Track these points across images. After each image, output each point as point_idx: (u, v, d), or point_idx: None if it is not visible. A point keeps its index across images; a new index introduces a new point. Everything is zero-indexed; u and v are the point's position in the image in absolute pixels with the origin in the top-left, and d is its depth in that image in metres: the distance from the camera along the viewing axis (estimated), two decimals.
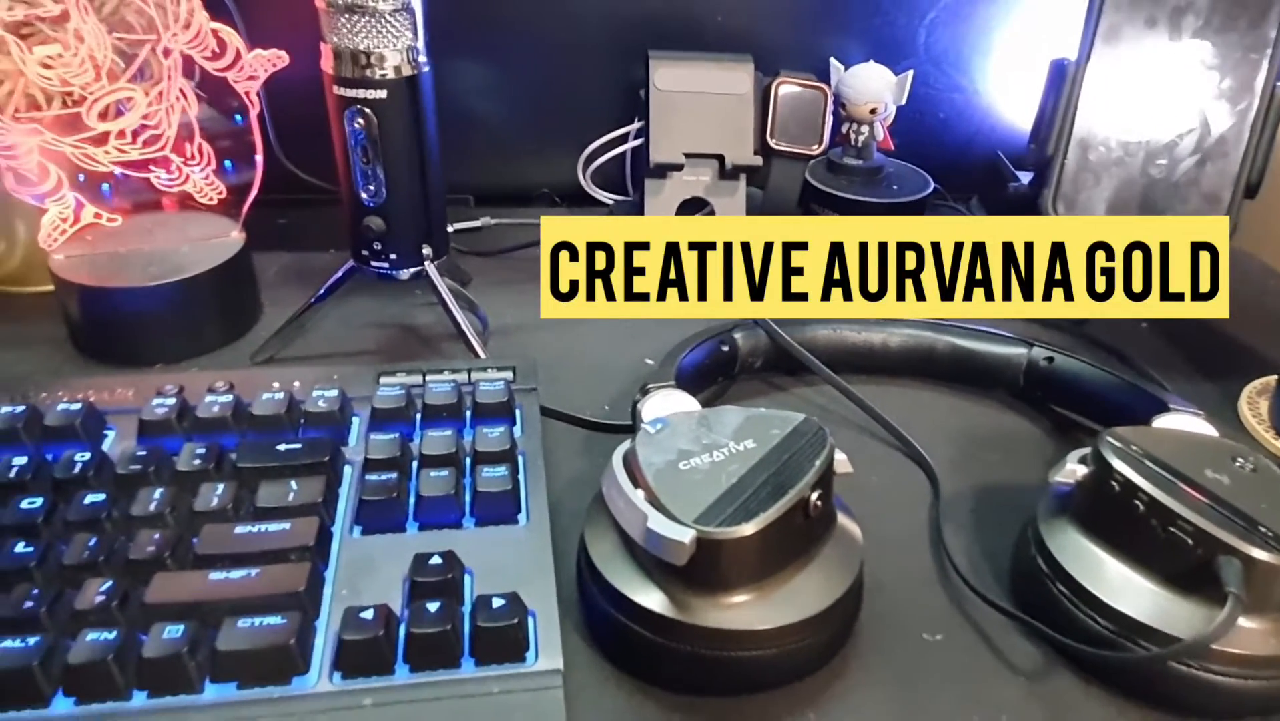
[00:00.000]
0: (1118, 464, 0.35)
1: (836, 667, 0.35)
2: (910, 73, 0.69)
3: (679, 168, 0.64)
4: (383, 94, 0.45)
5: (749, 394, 0.52)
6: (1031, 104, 0.66)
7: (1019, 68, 0.77)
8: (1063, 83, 0.52)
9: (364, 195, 0.47)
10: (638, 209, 0.66)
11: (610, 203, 0.74)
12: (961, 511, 0.44)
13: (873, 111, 0.70)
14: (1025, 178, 0.66)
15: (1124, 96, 0.51)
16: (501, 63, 0.72)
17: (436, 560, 0.35)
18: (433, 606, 0.33)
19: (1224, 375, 0.56)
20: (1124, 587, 0.34)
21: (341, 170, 0.48)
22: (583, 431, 0.48)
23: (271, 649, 0.31)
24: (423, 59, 0.46)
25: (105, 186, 0.54)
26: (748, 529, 0.32)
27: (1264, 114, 0.50)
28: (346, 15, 0.44)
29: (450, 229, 0.53)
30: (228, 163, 0.55)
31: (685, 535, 0.31)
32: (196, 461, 0.38)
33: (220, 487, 0.37)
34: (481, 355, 0.50)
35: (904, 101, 0.70)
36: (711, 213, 0.66)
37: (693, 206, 0.66)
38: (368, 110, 0.45)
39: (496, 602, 0.33)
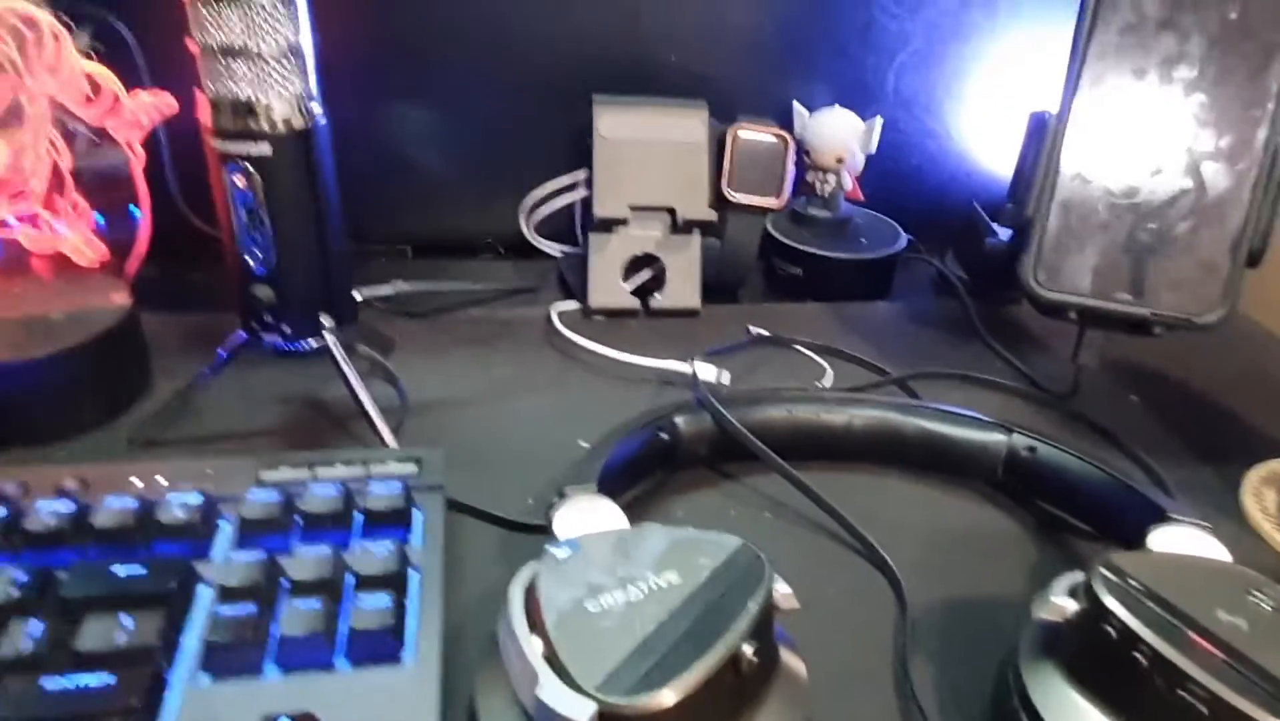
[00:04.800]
0: (1113, 605, 0.29)
1: None
2: (879, 119, 0.64)
3: (624, 222, 0.58)
4: (267, 149, 0.39)
5: (693, 484, 0.46)
6: (1010, 150, 0.62)
7: (996, 112, 0.72)
8: (1043, 138, 0.47)
9: (250, 261, 0.41)
10: (586, 263, 0.61)
11: (558, 255, 0.68)
12: (931, 634, 0.38)
13: (839, 160, 0.65)
14: (1004, 233, 0.61)
15: (1111, 154, 0.46)
16: (441, 106, 0.66)
17: None
18: None
19: (1225, 458, 0.50)
20: None
21: (225, 233, 0.42)
22: (502, 531, 0.42)
23: None
24: (316, 108, 0.40)
25: None
26: (664, 698, 0.26)
27: (1266, 174, 0.45)
28: (223, 59, 0.38)
29: (358, 296, 0.46)
30: (101, 217, 0.49)
31: (584, 711, 0.25)
32: (14, 590, 0.32)
33: (34, 625, 0.31)
34: (389, 442, 0.44)
35: (873, 150, 0.65)
36: (662, 270, 0.61)
37: (642, 263, 0.61)
38: (251, 167, 0.39)
39: None
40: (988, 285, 0.65)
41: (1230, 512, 0.47)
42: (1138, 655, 0.28)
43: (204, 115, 0.39)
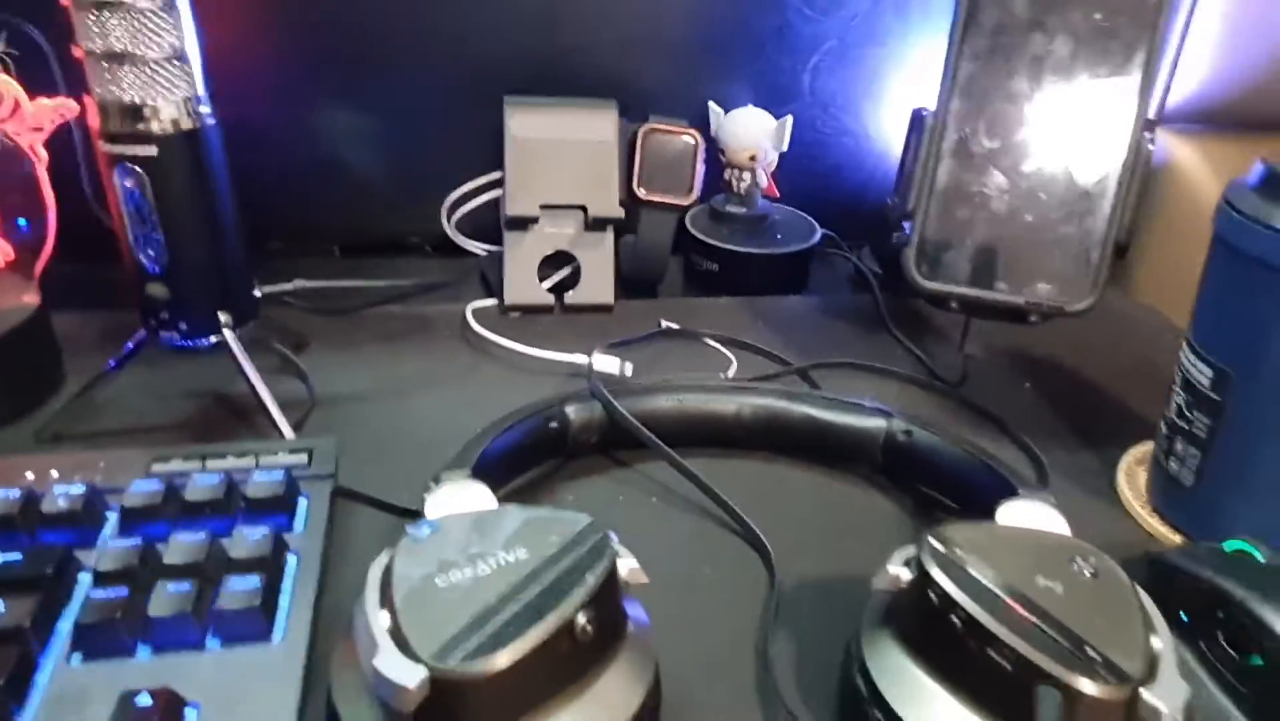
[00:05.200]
0: (936, 573, 0.31)
1: None
2: (789, 118, 0.66)
3: (535, 220, 0.60)
4: (153, 150, 0.40)
5: (586, 471, 0.47)
6: None
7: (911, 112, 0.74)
8: (921, 133, 0.48)
9: (144, 260, 0.43)
10: None
11: (481, 253, 0.69)
12: (800, 613, 0.39)
13: (752, 158, 0.66)
14: (908, 229, 0.63)
15: (985, 149, 0.48)
16: (365, 107, 0.67)
17: (145, 699, 0.30)
18: None
19: (1107, 441, 0.52)
20: (942, 719, 0.30)
21: (119, 234, 0.43)
22: (393, 518, 0.43)
23: None
24: (205, 110, 0.42)
25: None
26: (495, 663, 0.27)
27: (1131, 169, 0.47)
28: (108, 64, 0.39)
29: (257, 293, 0.48)
30: (23, 221, 0.50)
31: (413, 677, 0.27)
32: None
33: None
34: (287, 434, 0.45)
35: (785, 148, 0.67)
36: (577, 267, 0.62)
37: (557, 261, 0.62)
38: (139, 168, 0.40)
39: None
40: (899, 277, 0.67)
41: (1105, 493, 0.48)
42: (954, 619, 0.30)
43: (93, 119, 0.41)
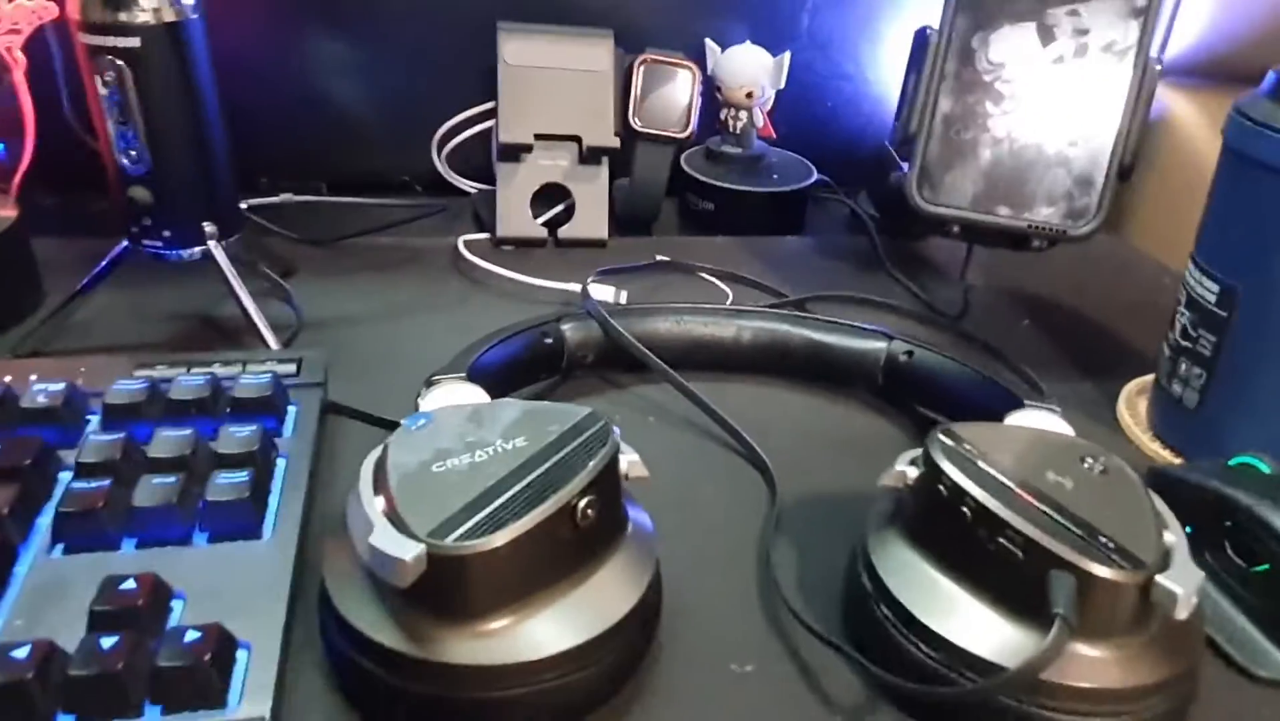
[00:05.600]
0: (946, 465, 0.30)
1: (618, 708, 0.30)
2: (787, 54, 0.65)
3: (528, 149, 0.58)
4: (136, 41, 0.39)
5: (581, 391, 0.46)
6: None
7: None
8: (924, 53, 0.47)
9: (125, 161, 0.41)
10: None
11: (472, 191, 0.68)
12: (799, 524, 0.39)
13: (749, 96, 0.65)
14: (906, 169, 0.62)
15: (989, 68, 0.47)
16: (353, 33, 0.65)
17: (129, 584, 0.28)
18: (107, 641, 0.26)
19: (1105, 375, 0.52)
20: (951, 611, 0.29)
21: (100, 133, 0.41)
22: (383, 432, 0.42)
23: None
24: (189, 2, 0.40)
25: None
26: (494, 541, 0.26)
27: (1137, 90, 0.46)
28: None
29: (244, 205, 0.46)
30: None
31: (409, 551, 0.26)
32: None
33: None
34: (273, 344, 0.44)
35: (782, 85, 0.66)
36: (571, 205, 0.61)
37: (550, 194, 0.61)
38: (120, 61, 0.39)
39: (190, 636, 0.27)
40: (895, 220, 0.66)
41: (1106, 421, 0.48)
42: (964, 509, 0.29)
43: (72, 9, 0.39)
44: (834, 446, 0.44)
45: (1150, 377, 0.49)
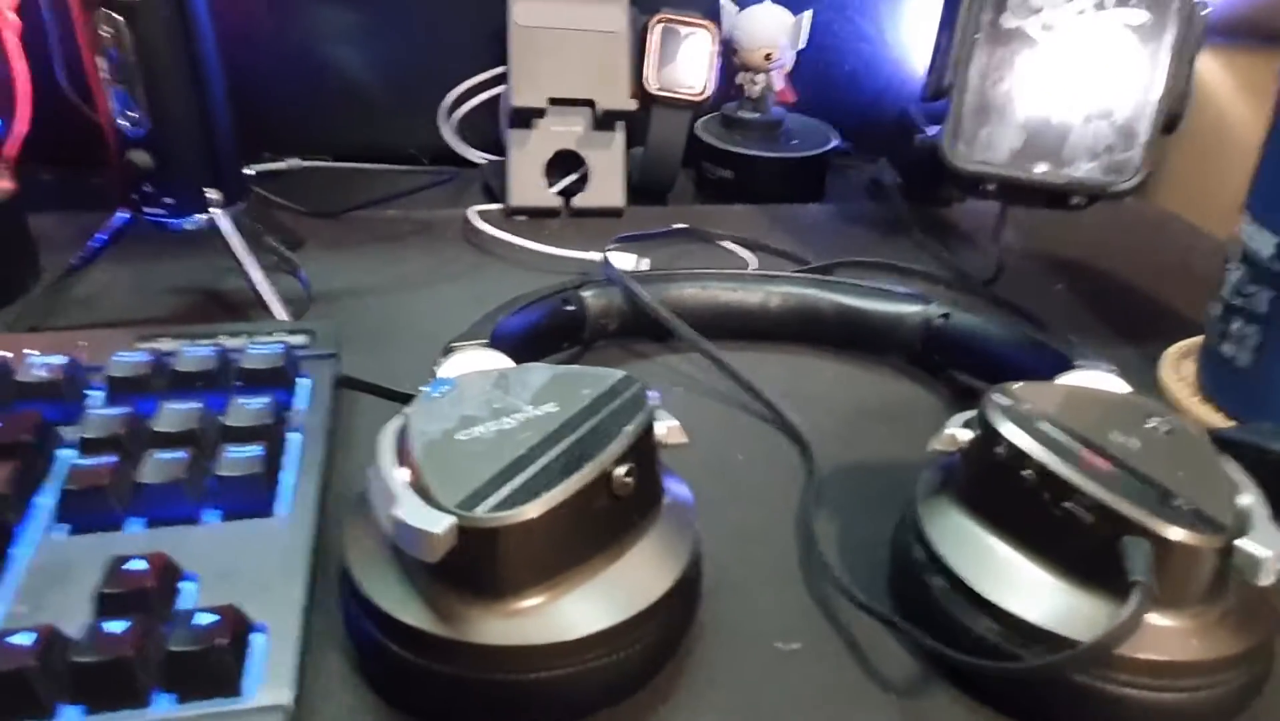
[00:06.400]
0: (1004, 426, 0.28)
1: (660, 689, 0.28)
2: (808, 12, 0.62)
3: (541, 114, 0.56)
4: None
5: (605, 362, 0.44)
6: None
7: (932, 19, 0.71)
8: (959, 3, 0.45)
9: (124, 124, 0.39)
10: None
11: (482, 162, 0.66)
12: (840, 494, 0.37)
13: (768, 57, 0.63)
14: (934, 131, 0.60)
15: (1029, 20, 0.45)
16: (357, 7, 0.63)
17: (137, 564, 0.27)
18: (115, 626, 0.25)
19: (1143, 338, 0.50)
20: (1014, 581, 0.28)
21: (97, 96, 0.39)
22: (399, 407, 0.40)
23: None
24: None
25: None
26: (527, 512, 0.25)
27: (1183, 37, 0.44)
28: None
29: (249, 171, 0.44)
30: None
31: (438, 523, 0.24)
32: None
33: None
34: (281, 315, 0.42)
35: (803, 45, 0.63)
36: (585, 173, 0.59)
37: (564, 162, 0.59)
38: (117, 15, 0.37)
39: (203, 619, 0.25)
40: (920, 186, 0.64)
41: (1150, 387, 0.46)
42: (1026, 472, 0.27)
43: None
44: (869, 415, 0.42)
45: (1195, 340, 0.47)
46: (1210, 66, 0.77)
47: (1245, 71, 0.78)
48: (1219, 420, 0.42)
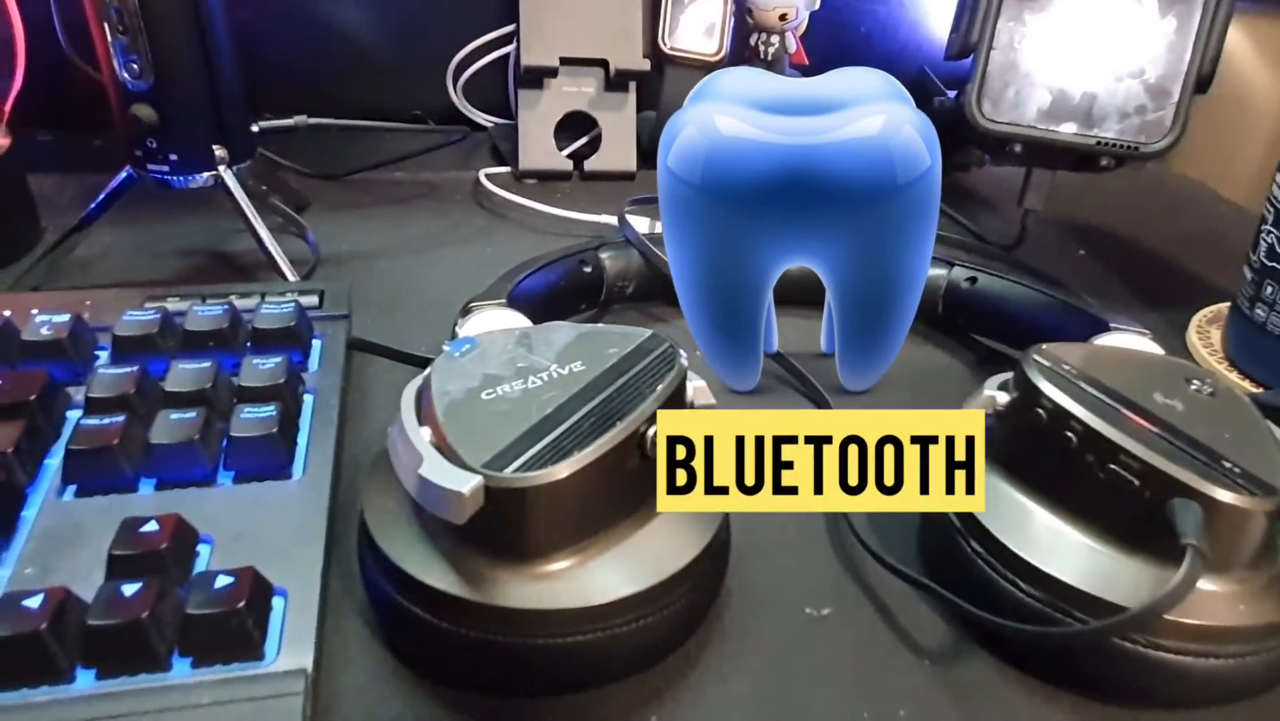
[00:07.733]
0: (1045, 386, 0.28)
1: (690, 654, 0.27)
2: None
3: (553, 73, 0.55)
4: None
5: (621, 323, 0.43)
6: None
7: None
8: None
9: (126, 77, 0.38)
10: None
11: (489, 126, 0.65)
12: None
13: (783, 18, 0.61)
14: (953, 94, 0.58)
15: None
16: None
17: (150, 526, 0.26)
18: (129, 589, 0.24)
19: (1169, 304, 0.49)
20: (1054, 544, 0.27)
21: (99, 47, 0.38)
22: (412, 370, 0.39)
23: None
24: None
25: None
26: (557, 472, 0.24)
27: None
28: None
29: (255, 128, 0.43)
30: None
31: (466, 483, 0.23)
32: None
33: None
34: (290, 276, 0.41)
35: (817, 6, 0.62)
36: (597, 137, 0.57)
37: (576, 123, 0.58)
38: None
39: (221, 581, 0.24)
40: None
41: (1177, 351, 0.45)
42: (1070, 433, 0.27)
43: None
44: (892, 379, 0.41)
45: (1221, 306, 0.46)
46: (1232, 34, 0.76)
47: (1268, 38, 0.76)
48: (1250, 387, 0.42)
